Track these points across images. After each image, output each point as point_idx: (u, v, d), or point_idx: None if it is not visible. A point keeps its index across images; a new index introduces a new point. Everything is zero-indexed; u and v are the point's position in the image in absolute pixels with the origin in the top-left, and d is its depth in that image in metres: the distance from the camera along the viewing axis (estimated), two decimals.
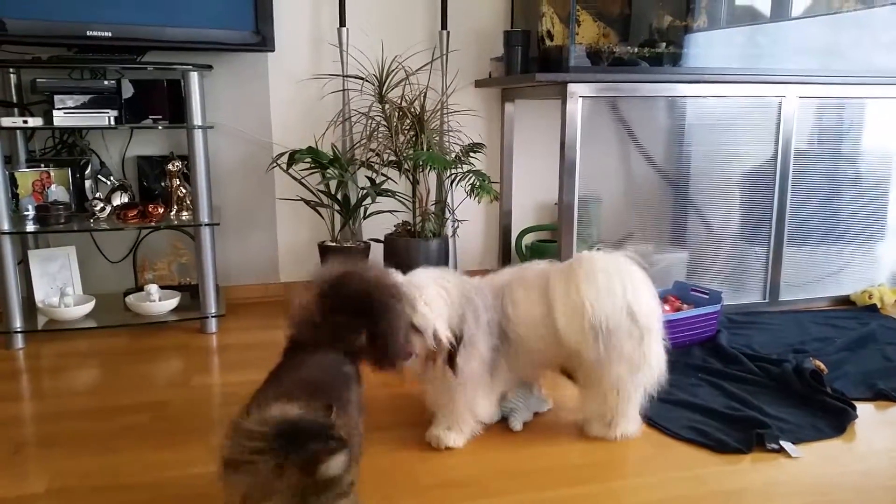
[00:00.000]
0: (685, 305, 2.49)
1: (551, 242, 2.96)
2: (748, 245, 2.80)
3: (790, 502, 1.48)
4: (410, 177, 2.76)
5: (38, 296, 2.58)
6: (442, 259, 2.76)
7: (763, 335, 2.49)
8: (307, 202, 2.78)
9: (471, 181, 2.67)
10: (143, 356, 2.32)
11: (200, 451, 1.67)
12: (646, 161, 2.65)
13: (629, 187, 2.66)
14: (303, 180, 2.75)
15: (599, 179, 2.58)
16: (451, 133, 2.92)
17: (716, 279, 2.76)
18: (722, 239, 2.77)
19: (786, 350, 2.30)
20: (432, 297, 1.55)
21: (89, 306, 2.56)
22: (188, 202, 2.58)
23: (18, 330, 2.38)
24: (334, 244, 2.76)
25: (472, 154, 2.77)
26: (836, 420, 1.82)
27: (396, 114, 2.73)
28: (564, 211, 2.51)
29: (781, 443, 1.70)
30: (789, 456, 1.66)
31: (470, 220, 3.09)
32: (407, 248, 2.72)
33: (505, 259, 3.11)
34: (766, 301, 2.82)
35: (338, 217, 2.81)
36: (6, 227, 2.31)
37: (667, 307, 2.45)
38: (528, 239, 3.08)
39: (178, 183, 2.58)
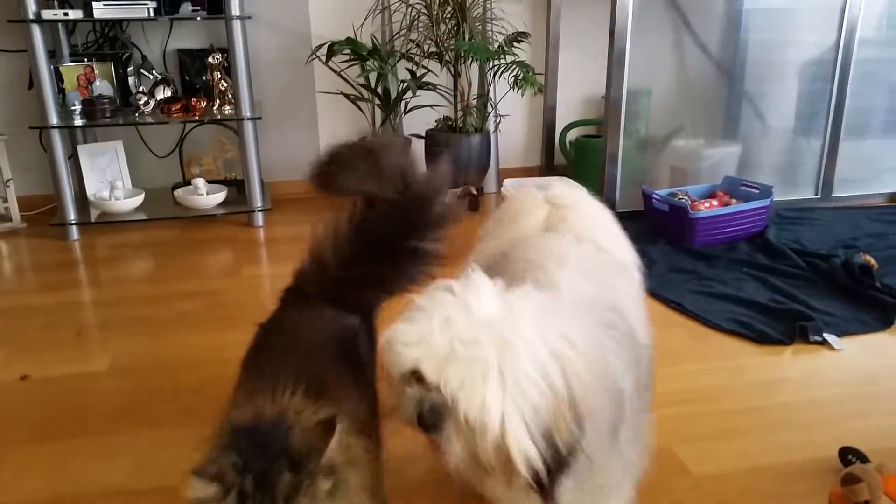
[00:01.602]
0: (734, 200, 2.43)
1: (596, 138, 2.89)
2: (803, 138, 2.69)
3: (831, 392, 1.48)
4: (452, 69, 2.69)
5: (90, 190, 2.65)
6: (484, 156, 2.73)
7: (813, 231, 2.43)
8: (347, 96, 2.75)
9: (514, 73, 2.59)
10: (193, 247, 2.39)
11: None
12: (700, 50, 2.53)
13: (681, 78, 2.56)
14: (342, 73, 2.71)
15: (650, 70, 2.48)
16: (494, 21, 2.81)
17: (768, 174, 2.68)
18: (776, 132, 2.67)
19: (836, 246, 2.25)
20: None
21: (139, 199, 2.62)
22: (230, 96, 2.57)
23: (73, 222, 2.46)
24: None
25: (515, 44, 2.68)
26: (884, 314, 1.79)
27: (437, 1, 2.63)
28: (611, 105, 2.43)
29: (825, 335, 1.69)
30: (832, 348, 1.65)
31: (512, 114, 3.02)
32: (448, 144, 2.69)
33: (549, 156, 3.06)
34: (819, 196, 2.74)
35: (378, 112, 2.78)
36: (55, 121, 2.35)
37: (714, 202, 2.40)
38: (572, 134, 3.01)
39: (220, 76, 2.57)
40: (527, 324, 0.73)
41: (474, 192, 2.76)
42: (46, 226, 2.53)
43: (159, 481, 1.23)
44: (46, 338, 1.75)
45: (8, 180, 2.56)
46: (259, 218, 2.59)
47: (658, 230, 2.39)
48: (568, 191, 1.18)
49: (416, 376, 0.75)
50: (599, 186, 2.53)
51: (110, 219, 2.56)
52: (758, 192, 2.41)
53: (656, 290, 1.97)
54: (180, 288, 2.04)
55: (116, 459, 1.29)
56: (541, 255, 0.96)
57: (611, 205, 2.53)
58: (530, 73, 2.57)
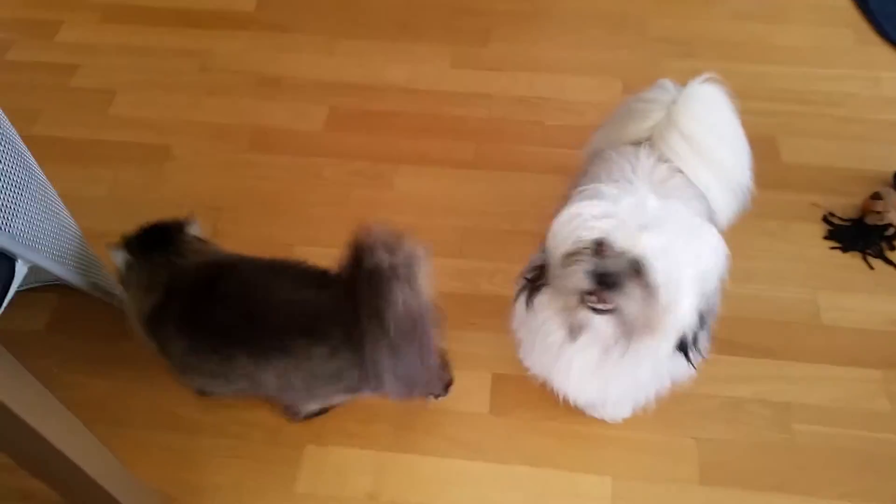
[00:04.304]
0: None
1: None
2: None
3: None
4: None
5: None
6: None
7: None
8: None
9: None
10: None
11: None
12: None
13: None
14: None
15: None
16: None
17: None
18: None
19: None
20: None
21: None
22: None
23: None
24: None
25: None
26: None
27: None
28: None
29: None
30: None
31: None
32: None
33: None
34: None
35: None
36: None
37: None
38: None
39: None
40: (700, 225, 0.91)
41: None
42: None
43: (431, 86, 1.91)
44: None
45: None
46: None
47: None
48: (697, 98, 1.18)
49: (596, 248, 0.87)
50: None
51: None
52: None
53: None
54: None
55: (400, 63, 1.97)
56: (610, 177, 1.12)
57: None
58: None
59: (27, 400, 0.73)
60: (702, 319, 0.92)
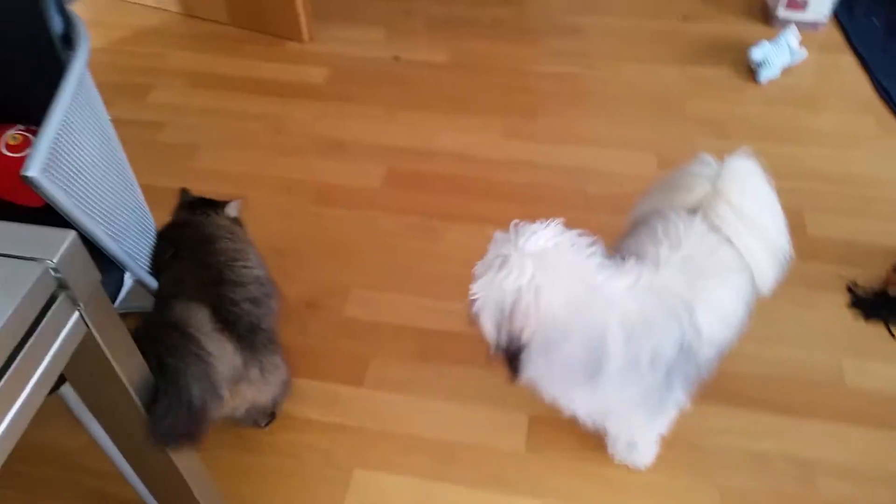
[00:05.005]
0: None
1: None
2: None
3: None
4: None
5: None
6: None
7: None
8: None
9: None
10: None
11: None
12: None
13: None
14: None
15: None
16: None
17: None
18: None
19: None
20: None
21: None
22: None
23: None
24: None
25: None
26: None
27: None
28: None
29: None
30: None
31: None
32: None
33: None
34: None
35: None
36: None
37: None
38: None
39: None
40: (531, 263, 1.03)
41: None
42: None
43: (482, 153, 2.09)
44: (408, 27, 2.54)
45: None
46: None
47: None
48: (739, 172, 1.26)
49: None
50: None
51: None
52: None
53: (873, 65, 2.27)
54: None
55: (455, 133, 2.16)
56: (664, 234, 1.21)
57: None
58: None
59: None
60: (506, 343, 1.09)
